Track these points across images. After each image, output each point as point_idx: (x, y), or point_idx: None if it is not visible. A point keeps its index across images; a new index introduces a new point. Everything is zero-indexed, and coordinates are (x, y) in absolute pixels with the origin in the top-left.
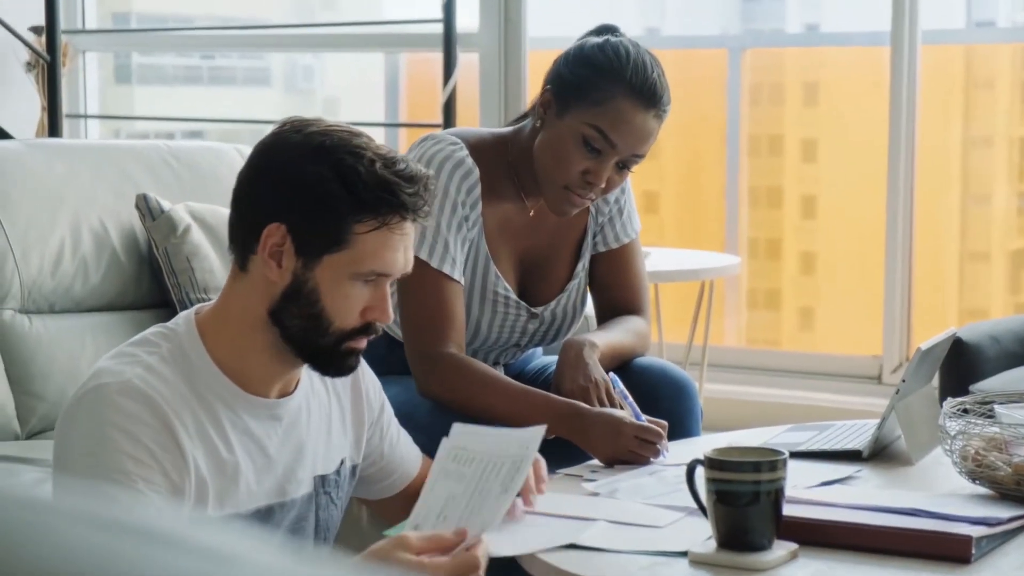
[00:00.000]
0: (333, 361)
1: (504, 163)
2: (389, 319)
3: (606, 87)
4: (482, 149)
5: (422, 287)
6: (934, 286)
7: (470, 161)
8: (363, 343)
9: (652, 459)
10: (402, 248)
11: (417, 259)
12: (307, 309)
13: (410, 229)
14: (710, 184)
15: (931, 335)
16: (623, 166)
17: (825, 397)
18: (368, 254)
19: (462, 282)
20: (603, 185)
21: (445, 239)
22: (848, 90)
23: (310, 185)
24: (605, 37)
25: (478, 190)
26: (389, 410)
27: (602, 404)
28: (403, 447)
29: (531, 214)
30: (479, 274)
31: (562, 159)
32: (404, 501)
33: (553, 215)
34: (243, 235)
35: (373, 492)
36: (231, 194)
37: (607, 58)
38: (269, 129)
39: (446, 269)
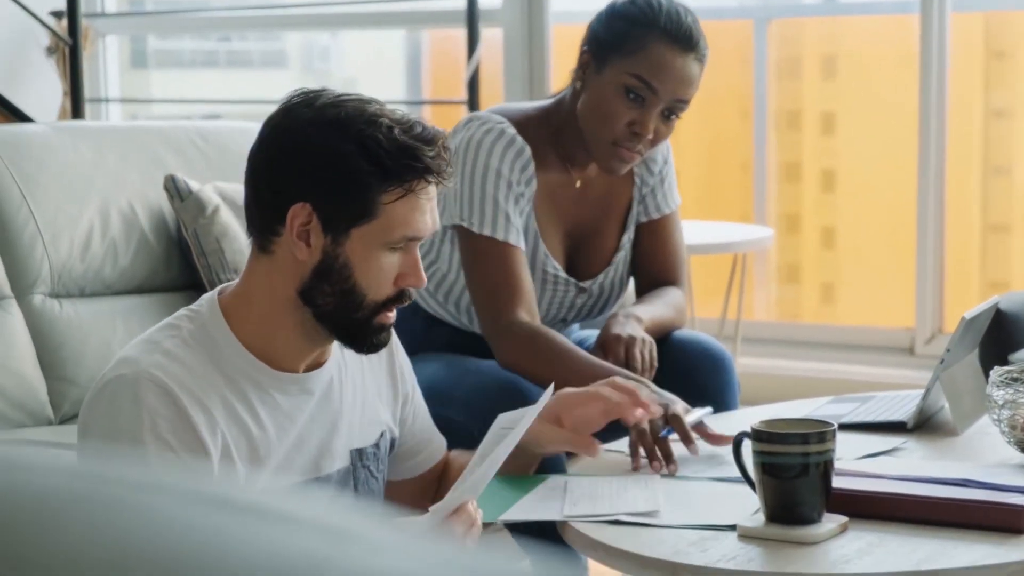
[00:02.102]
0: (366, 337)
1: (549, 135)
2: (423, 283)
3: (641, 35)
4: (527, 125)
5: (486, 260)
6: (957, 258)
7: (520, 139)
8: (393, 316)
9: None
10: (429, 210)
11: (480, 235)
12: (339, 285)
13: (434, 191)
14: (731, 158)
15: (957, 308)
16: (669, 114)
17: (858, 370)
18: (397, 221)
19: (523, 248)
20: (650, 136)
21: (505, 212)
22: (871, 61)
23: (332, 160)
24: None
25: (532, 168)
26: (419, 390)
27: (643, 360)
28: (430, 429)
29: (577, 185)
30: (528, 253)
31: (607, 114)
32: (422, 484)
33: (598, 186)
34: (264, 218)
35: (398, 472)
36: (244, 176)
37: (639, 9)
38: None
39: (512, 239)
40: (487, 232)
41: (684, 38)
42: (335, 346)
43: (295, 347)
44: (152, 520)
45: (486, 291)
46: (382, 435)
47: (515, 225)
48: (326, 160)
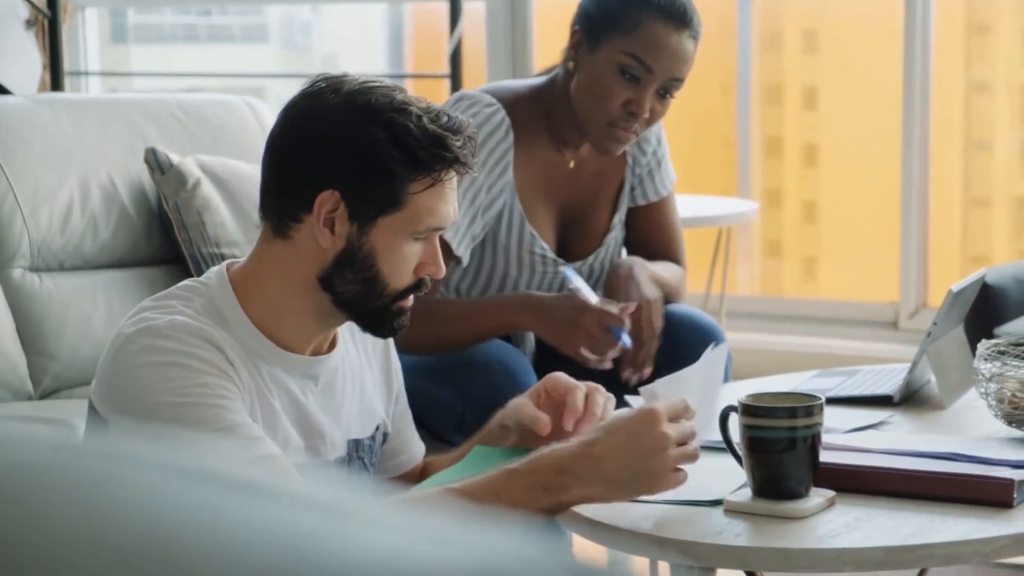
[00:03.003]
0: (386, 322)
1: (541, 115)
2: (442, 273)
3: (635, 13)
4: (518, 105)
5: None
6: (938, 233)
7: (507, 123)
8: (411, 301)
9: (611, 354)
10: (452, 200)
11: None
12: (362, 273)
13: (456, 181)
14: (714, 132)
15: (939, 282)
16: (664, 93)
17: (842, 344)
18: (424, 212)
19: (461, 256)
20: (646, 115)
21: (462, 215)
22: (854, 35)
23: (363, 148)
24: None
25: (510, 155)
26: (404, 392)
27: (650, 325)
28: (412, 431)
29: (570, 166)
30: (515, 236)
31: (602, 94)
32: (400, 487)
33: (591, 167)
34: (286, 204)
35: (380, 470)
36: (262, 159)
37: None
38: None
39: (454, 245)
40: None
41: (678, 15)
42: (341, 336)
43: (304, 330)
44: (140, 495)
45: None
46: (377, 428)
47: (465, 231)
48: (356, 148)
